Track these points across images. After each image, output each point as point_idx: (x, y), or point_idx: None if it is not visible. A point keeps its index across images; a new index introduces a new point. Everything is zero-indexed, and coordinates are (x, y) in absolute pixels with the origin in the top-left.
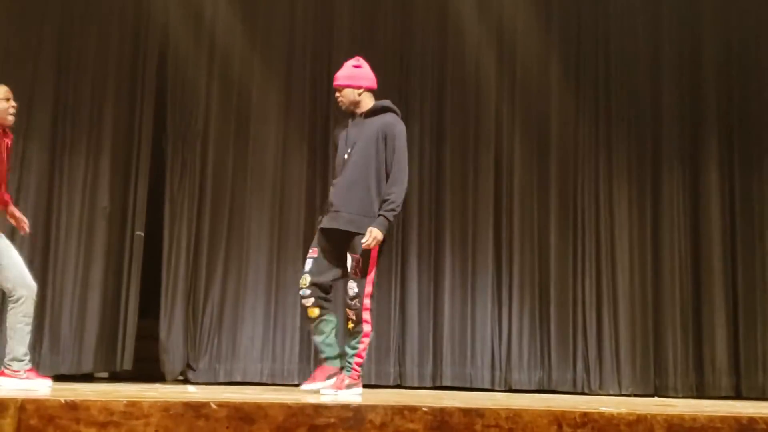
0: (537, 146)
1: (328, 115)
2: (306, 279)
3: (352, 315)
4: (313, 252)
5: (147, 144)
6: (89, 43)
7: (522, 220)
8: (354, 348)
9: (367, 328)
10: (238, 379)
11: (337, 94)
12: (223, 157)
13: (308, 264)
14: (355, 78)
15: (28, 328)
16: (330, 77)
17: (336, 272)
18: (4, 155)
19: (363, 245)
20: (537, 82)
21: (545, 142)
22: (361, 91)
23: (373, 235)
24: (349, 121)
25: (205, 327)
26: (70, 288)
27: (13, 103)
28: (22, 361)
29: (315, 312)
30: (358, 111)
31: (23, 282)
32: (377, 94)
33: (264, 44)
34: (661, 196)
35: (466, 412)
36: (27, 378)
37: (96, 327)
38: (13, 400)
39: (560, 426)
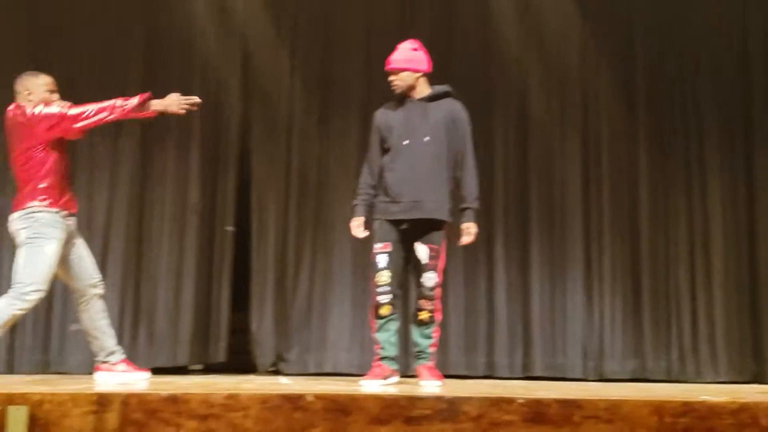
0: (625, 132)
1: None
2: (385, 276)
3: (428, 305)
4: (386, 246)
5: (234, 138)
6: (175, 39)
7: (612, 206)
8: (430, 338)
9: (440, 317)
10: (329, 370)
11: (393, 78)
12: (308, 149)
13: (383, 259)
14: (414, 61)
15: (108, 321)
16: None
17: (404, 266)
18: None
19: (464, 242)
20: (625, 65)
21: (634, 128)
22: (419, 75)
23: (473, 231)
24: (400, 105)
25: (295, 318)
26: (164, 282)
27: (57, 96)
28: (115, 352)
29: (388, 310)
30: (414, 95)
31: (91, 280)
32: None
33: (344, 36)
34: (754, 180)
35: (564, 403)
36: (125, 371)
37: (190, 320)
38: (117, 395)
39: (661, 416)
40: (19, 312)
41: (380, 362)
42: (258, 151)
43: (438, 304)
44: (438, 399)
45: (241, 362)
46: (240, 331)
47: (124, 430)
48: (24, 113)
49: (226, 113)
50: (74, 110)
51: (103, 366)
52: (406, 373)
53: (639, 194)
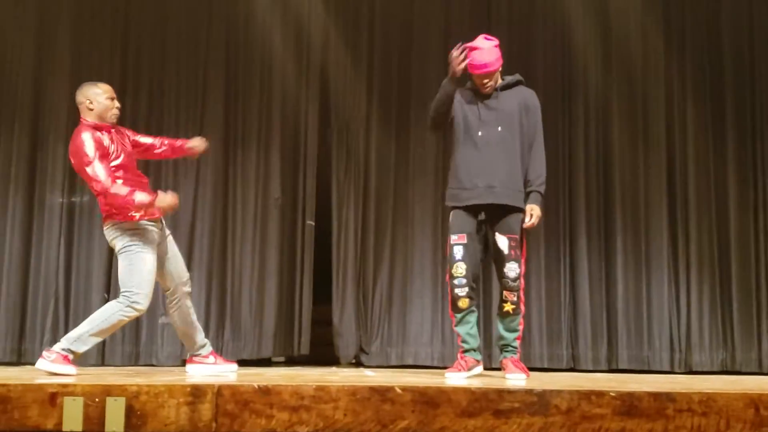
0: (712, 117)
1: None
2: (461, 268)
3: (512, 297)
4: (461, 238)
5: (313, 135)
6: (255, 39)
7: (698, 194)
8: (515, 330)
9: (523, 308)
10: (410, 363)
11: (488, 80)
12: (386, 143)
13: (459, 251)
14: (500, 58)
15: (195, 316)
16: None
17: (481, 258)
18: (129, 149)
19: (527, 225)
20: (709, 49)
21: (720, 113)
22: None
23: (537, 214)
24: (475, 94)
25: (376, 311)
26: (248, 277)
27: (117, 104)
28: (205, 346)
29: (466, 303)
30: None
31: (182, 279)
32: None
33: (422, 30)
34: None
35: (656, 396)
36: (214, 364)
37: (273, 313)
38: (211, 386)
39: (757, 409)
40: (126, 319)
41: (464, 355)
42: (337, 148)
43: (522, 295)
44: (528, 392)
45: (322, 354)
46: (322, 324)
47: (218, 421)
48: (73, 142)
49: (304, 112)
50: (90, 171)
51: (195, 359)
52: (489, 365)
53: (726, 181)
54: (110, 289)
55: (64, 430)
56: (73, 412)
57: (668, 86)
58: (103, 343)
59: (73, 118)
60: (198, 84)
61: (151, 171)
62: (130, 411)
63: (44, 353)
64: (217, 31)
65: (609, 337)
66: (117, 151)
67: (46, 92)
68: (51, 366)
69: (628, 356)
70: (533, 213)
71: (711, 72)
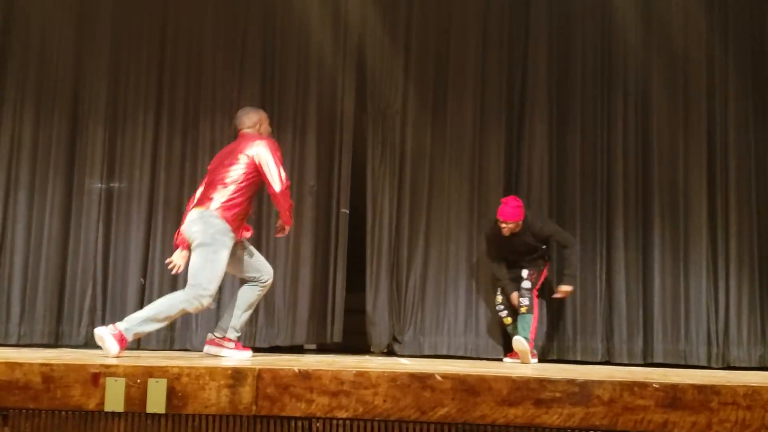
0: (754, 108)
1: (524, 90)
2: (499, 298)
3: (526, 301)
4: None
5: (349, 122)
6: (292, 25)
7: (738, 187)
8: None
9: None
10: (443, 353)
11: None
12: (422, 132)
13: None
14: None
15: (241, 306)
16: (528, 53)
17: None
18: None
19: None
20: (752, 42)
21: (763, 104)
22: None
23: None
24: None
25: (409, 300)
26: (282, 264)
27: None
28: (228, 331)
29: (509, 320)
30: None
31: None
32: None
33: (460, 20)
34: None
35: (701, 388)
36: (231, 348)
37: (307, 301)
38: (251, 369)
39: None
40: (190, 310)
41: None
42: (373, 136)
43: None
44: (569, 382)
45: (354, 342)
46: (355, 312)
47: (258, 404)
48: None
49: (341, 99)
50: (276, 170)
51: (216, 340)
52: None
53: (767, 172)
54: (146, 274)
55: (105, 410)
56: (115, 392)
57: (710, 76)
58: None
59: (112, 103)
60: (235, 70)
61: (188, 154)
62: (171, 392)
63: (109, 326)
64: (255, 17)
65: (645, 330)
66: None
67: (86, 78)
68: (108, 338)
69: (663, 350)
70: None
71: (754, 61)
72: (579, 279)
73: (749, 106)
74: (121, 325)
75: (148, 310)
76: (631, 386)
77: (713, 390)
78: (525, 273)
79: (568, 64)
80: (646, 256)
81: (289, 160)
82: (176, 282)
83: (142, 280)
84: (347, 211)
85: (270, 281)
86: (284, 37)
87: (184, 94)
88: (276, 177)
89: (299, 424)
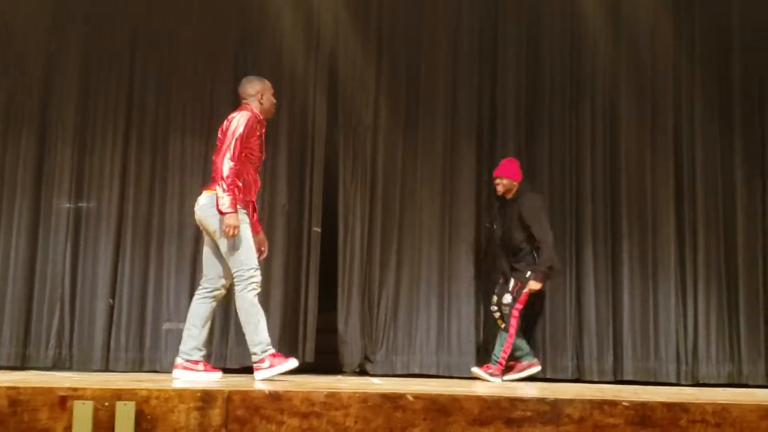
0: (720, 127)
1: (494, 105)
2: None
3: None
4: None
5: (321, 138)
6: (263, 45)
7: (706, 205)
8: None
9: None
10: (416, 371)
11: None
12: (393, 149)
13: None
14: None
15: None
16: (497, 67)
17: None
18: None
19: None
20: (719, 54)
21: (729, 122)
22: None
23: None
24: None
25: (381, 319)
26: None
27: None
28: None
29: (502, 323)
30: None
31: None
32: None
33: (431, 37)
34: None
35: (670, 406)
36: (203, 371)
37: (279, 320)
38: (221, 392)
39: None
40: (257, 293)
41: (521, 360)
42: (344, 153)
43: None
44: (540, 401)
45: (326, 362)
46: (326, 331)
47: (228, 426)
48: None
49: (312, 116)
50: (233, 144)
51: (183, 364)
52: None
53: (734, 189)
54: (115, 295)
55: None
56: (82, 415)
57: (677, 91)
58: (107, 348)
59: (81, 122)
60: (205, 89)
61: (158, 173)
62: (140, 415)
63: (257, 365)
64: (226, 34)
65: (615, 348)
66: (260, 145)
67: (54, 96)
68: (272, 371)
69: (633, 368)
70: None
71: (720, 81)
72: (549, 297)
73: (716, 125)
74: (255, 358)
75: (248, 328)
76: (601, 404)
77: (682, 408)
78: (511, 284)
79: (536, 78)
80: (615, 274)
81: (261, 178)
82: (144, 302)
83: (110, 300)
84: (319, 230)
85: (222, 293)
86: (255, 54)
87: (153, 113)
88: (226, 146)
89: None
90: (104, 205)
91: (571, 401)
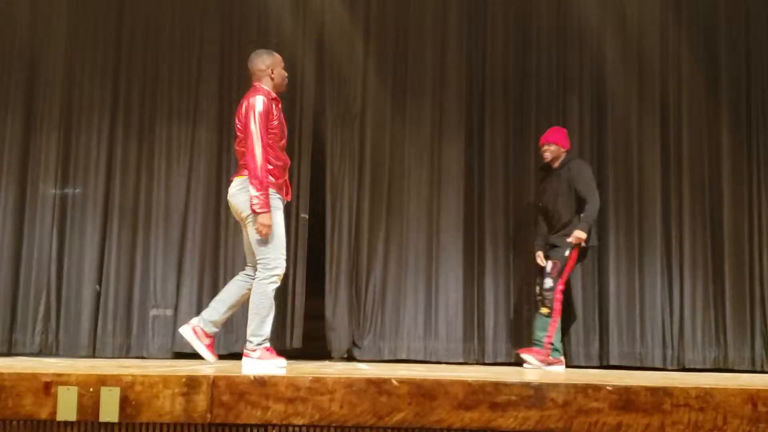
0: (707, 114)
1: (483, 92)
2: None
3: (546, 303)
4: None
5: (308, 126)
6: (250, 29)
7: (692, 191)
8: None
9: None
10: (403, 357)
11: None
12: (381, 136)
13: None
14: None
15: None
16: (485, 54)
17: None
18: (284, 123)
19: None
20: (705, 45)
21: (716, 109)
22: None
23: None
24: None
25: (369, 305)
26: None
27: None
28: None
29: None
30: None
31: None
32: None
33: (418, 24)
34: None
35: (653, 390)
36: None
37: None
38: (206, 377)
39: (755, 405)
40: (276, 287)
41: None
42: (332, 140)
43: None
44: (524, 385)
45: (314, 348)
46: (314, 318)
47: (213, 412)
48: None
49: (300, 104)
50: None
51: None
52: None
53: (721, 176)
54: (101, 281)
55: (58, 419)
56: (67, 401)
57: (663, 82)
58: (94, 334)
59: (67, 107)
60: (191, 73)
61: (144, 159)
62: (124, 401)
63: (248, 352)
64: (212, 19)
65: (601, 333)
66: (280, 124)
67: (40, 80)
68: (260, 363)
69: (620, 353)
70: None
71: (707, 70)
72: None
73: (702, 114)
74: (249, 346)
75: (252, 316)
76: (585, 389)
77: (666, 392)
78: (549, 266)
79: (525, 66)
80: (601, 259)
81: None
82: (131, 287)
83: (97, 287)
84: (306, 216)
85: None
86: (242, 39)
87: (139, 98)
88: (251, 141)
89: (255, 431)
90: (90, 190)
91: (555, 385)
